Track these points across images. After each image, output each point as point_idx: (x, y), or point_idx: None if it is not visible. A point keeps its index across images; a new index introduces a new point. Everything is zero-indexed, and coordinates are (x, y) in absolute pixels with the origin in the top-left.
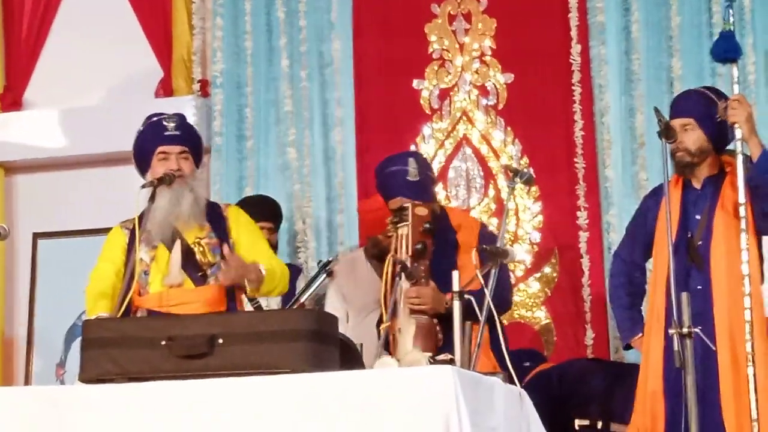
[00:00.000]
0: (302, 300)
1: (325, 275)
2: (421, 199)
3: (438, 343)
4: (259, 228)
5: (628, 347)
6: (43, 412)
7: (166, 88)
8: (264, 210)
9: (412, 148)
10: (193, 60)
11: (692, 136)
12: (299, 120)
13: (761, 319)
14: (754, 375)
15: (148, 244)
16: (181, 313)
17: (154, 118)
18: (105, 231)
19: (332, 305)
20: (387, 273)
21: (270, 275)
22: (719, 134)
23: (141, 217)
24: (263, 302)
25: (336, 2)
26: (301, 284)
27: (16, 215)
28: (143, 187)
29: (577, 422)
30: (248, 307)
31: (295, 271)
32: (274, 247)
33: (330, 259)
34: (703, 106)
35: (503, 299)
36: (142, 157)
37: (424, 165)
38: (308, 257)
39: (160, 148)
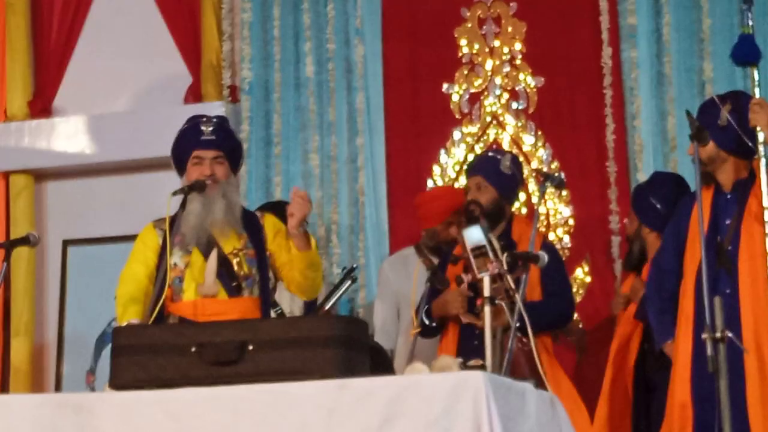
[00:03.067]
0: (327, 307)
1: (349, 282)
2: (500, 189)
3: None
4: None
5: (661, 352)
6: (70, 419)
7: (195, 94)
8: (284, 217)
9: (443, 152)
10: (222, 66)
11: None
12: (326, 125)
13: None
14: None
15: (183, 248)
16: None
17: (192, 121)
18: (134, 238)
19: (382, 302)
20: (415, 279)
21: (316, 256)
22: (729, 139)
23: (173, 222)
24: (286, 309)
25: (364, 7)
26: (323, 290)
27: (46, 222)
28: (174, 194)
29: None
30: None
31: None
32: None
33: (354, 266)
34: (708, 114)
35: (561, 312)
36: (178, 160)
37: (518, 168)
38: (332, 263)
39: (195, 152)
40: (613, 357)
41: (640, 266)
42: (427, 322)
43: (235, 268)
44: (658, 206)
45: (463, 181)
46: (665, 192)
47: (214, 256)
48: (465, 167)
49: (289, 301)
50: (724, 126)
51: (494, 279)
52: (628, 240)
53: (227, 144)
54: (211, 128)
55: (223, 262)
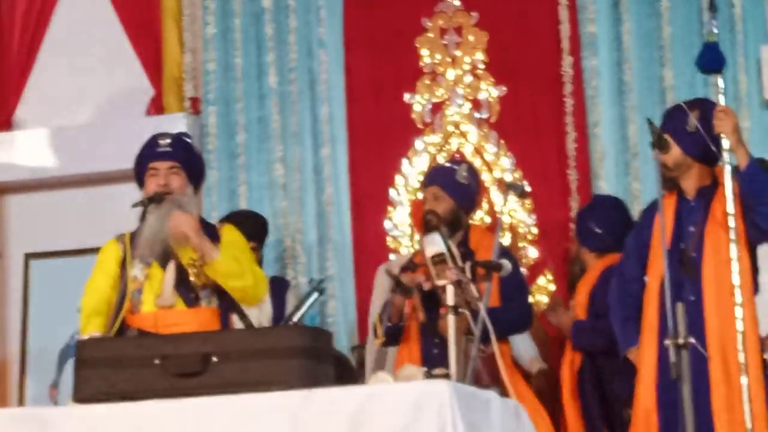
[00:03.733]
0: (295, 318)
1: (317, 293)
2: (457, 199)
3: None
4: (247, 246)
5: (625, 359)
6: None
7: (157, 106)
8: (246, 228)
9: (405, 162)
10: (183, 78)
11: (669, 151)
12: (289, 136)
13: (754, 329)
14: (748, 385)
15: (143, 261)
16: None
17: (152, 137)
18: (97, 251)
19: (375, 308)
20: (380, 288)
21: (236, 267)
22: (696, 145)
23: (135, 235)
24: (254, 321)
25: (325, 17)
26: (291, 299)
27: (8, 236)
28: (134, 206)
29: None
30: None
31: (283, 285)
32: (258, 264)
33: (322, 277)
34: (676, 119)
35: (522, 316)
36: (138, 174)
37: (475, 178)
38: (297, 274)
39: (151, 164)
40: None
41: None
42: (388, 324)
43: (193, 278)
44: (597, 230)
45: None
46: (604, 215)
47: (171, 267)
48: (422, 178)
49: (258, 313)
50: (693, 132)
51: (455, 286)
52: (569, 262)
53: (183, 155)
54: (167, 141)
55: (181, 273)
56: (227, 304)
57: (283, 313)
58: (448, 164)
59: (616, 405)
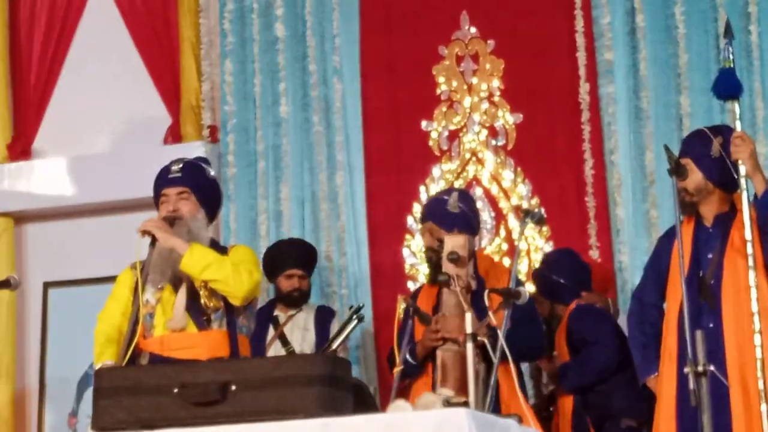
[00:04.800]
0: (334, 346)
1: (356, 322)
2: (455, 231)
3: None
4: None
5: (644, 387)
6: None
7: (174, 135)
8: (292, 256)
9: (422, 189)
10: (202, 106)
11: (690, 176)
12: (306, 165)
13: None
14: None
15: (155, 286)
16: (183, 358)
17: (168, 164)
18: (115, 279)
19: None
20: (399, 315)
21: (210, 258)
22: (718, 172)
23: (146, 261)
24: (297, 348)
25: (342, 45)
26: (335, 327)
27: (27, 265)
28: (143, 235)
29: (624, 422)
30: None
31: (328, 313)
32: (306, 295)
33: (361, 305)
34: (699, 145)
35: (536, 341)
36: (155, 202)
37: (466, 202)
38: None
39: (163, 191)
40: None
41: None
42: (411, 360)
43: (204, 300)
44: (561, 280)
45: None
46: (562, 266)
47: (183, 290)
48: (421, 213)
49: (300, 341)
50: (716, 158)
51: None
52: (545, 323)
53: (192, 180)
54: (179, 166)
55: (192, 296)
56: (235, 326)
57: (326, 341)
58: (439, 196)
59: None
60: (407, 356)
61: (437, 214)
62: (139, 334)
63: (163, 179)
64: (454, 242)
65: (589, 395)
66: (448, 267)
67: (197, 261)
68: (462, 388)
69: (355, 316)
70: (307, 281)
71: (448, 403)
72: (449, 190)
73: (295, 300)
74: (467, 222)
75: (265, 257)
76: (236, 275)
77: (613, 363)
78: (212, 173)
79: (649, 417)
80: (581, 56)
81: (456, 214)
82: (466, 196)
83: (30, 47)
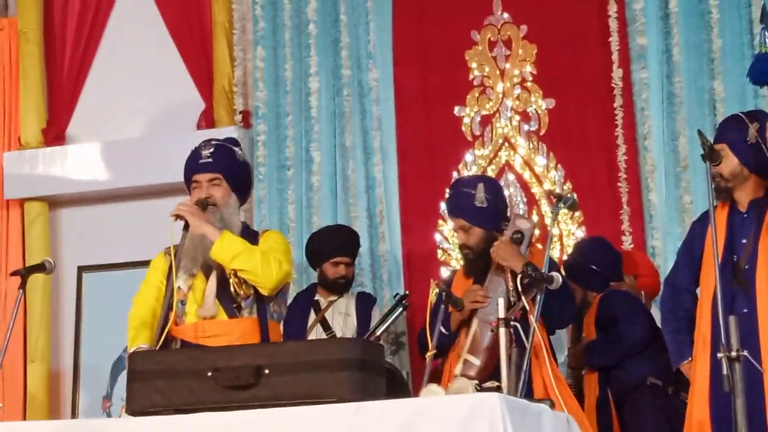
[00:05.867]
0: (378, 333)
1: (401, 309)
2: (483, 226)
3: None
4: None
5: (678, 372)
6: None
7: (207, 120)
8: (339, 244)
9: (455, 175)
10: (234, 91)
11: (725, 162)
12: (339, 150)
13: None
14: None
15: (187, 272)
16: (215, 345)
17: (197, 146)
18: (149, 263)
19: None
20: (431, 300)
21: (240, 247)
22: (754, 158)
23: (179, 246)
24: (338, 333)
25: (375, 31)
26: (376, 314)
27: (61, 249)
28: (172, 216)
29: (649, 379)
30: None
31: (370, 300)
32: (350, 282)
33: (406, 292)
34: (735, 130)
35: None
36: (186, 186)
37: (494, 193)
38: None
39: (194, 177)
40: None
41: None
42: (444, 331)
43: (234, 288)
44: (594, 267)
45: None
46: (596, 254)
47: (213, 277)
48: (446, 200)
49: (342, 326)
50: (752, 144)
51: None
52: (578, 310)
53: (225, 165)
54: (209, 151)
55: (223, 284)
56: (266, 313)
57: (367, 327)
58: (464, 189)
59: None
60: (440, 327)
61: (466, 210)
62: (172, 321)
63: (195, 164)
64: (521, 223)
65: (612, 371)
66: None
67: (227, 249)
68: (488, 361)
69: (399, 304)
70: (352, 269)
71: (480, 388)
72: (472, 181)
73: (341, 287)
74: (496, 213)
75: (310, 244)
76: (265, 265)
77: (642, 339)
78: (243, 156)
79: (677, 380)
80: (614, 41)
81: (485, 208)
82: (491, 185)
83: (64, 33)
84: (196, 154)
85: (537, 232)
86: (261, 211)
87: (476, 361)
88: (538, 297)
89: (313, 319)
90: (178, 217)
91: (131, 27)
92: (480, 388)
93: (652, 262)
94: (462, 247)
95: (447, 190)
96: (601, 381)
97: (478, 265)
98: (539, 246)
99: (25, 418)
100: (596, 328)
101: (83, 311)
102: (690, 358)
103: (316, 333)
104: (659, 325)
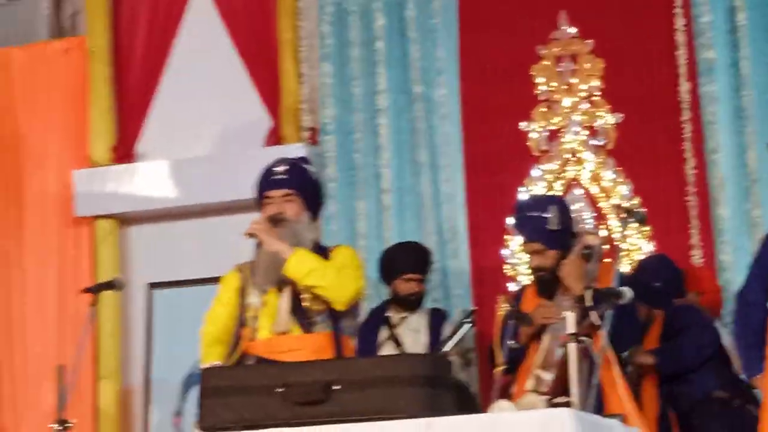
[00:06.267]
0: (446, 349)
1: (469, 325)
2: (557, 248)
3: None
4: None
5: (747, 387)
6: None
7: (275, 137)
8: (411, 260)
9: (522, 190)
10: (302, 108)
11: None
12: (406, 164)
13: None
14: None
15: (259, 288)
16: (289, 360)
17: (270, 164)
18: (218, 280)
19: None
20: (500, 315)
21: (313, 264)
22: None
23: (252, 263)
24: (409, 349)
25: (442, 46)
26: (447, 330)
27: (131, 266)
28: (249, 237)
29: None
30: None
31: (441, 315)
32: (422, 298)
33: (474, 308)
34: None
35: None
36: (257, 203)
37: (565, 214)
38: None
39: (266, 193)
40: None
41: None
42: (514, 345)
43: (307, 303)
44: (658, 285)
45: None
46: (659, 271)
47: (287, 293)
48: (514, 221)
49: (412, 343)
50: None
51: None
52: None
53: (298, 182)
54: (282, 168)
55: (296, 299)
56: (340, 328)
57: (437, 343)
58: (536, 213)
59: None
60: (509, 342)
61: (541, 234)
62: (246, 337)
63: (267, 181)
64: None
65: (675, 385)
66: None
67: (301, 266)
68: (560, 377)
69: (467, 319)
70: (424, 285)
71: (551, 403)
72: (542, 204)
73: (412, 303)
74: (567, 236)
75: (382, 260)
76: (339, 281)
77: (711, 344)
78: (315, 174)
79: (743, 394)
80: (681, 54)
81: (559, 231)
82: (562, 206)
83: (132, 51)
84: (269, 171)
85: (605, 246)
86: (331, 228)
87: (548, 377)
88: (607, 312)
89: (384, 335)
90: (251, 235)
91: (199, 45)
92: (550, 404)
93: (716, 279)
94: (537, 269)
95: (514, 213)
96: (663, 396)
97: (553, 285)
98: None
99: None
100: (661, 342)
101: (153, 328)
102: (762, 372)
103: (388, 349)
104: (722, 341)
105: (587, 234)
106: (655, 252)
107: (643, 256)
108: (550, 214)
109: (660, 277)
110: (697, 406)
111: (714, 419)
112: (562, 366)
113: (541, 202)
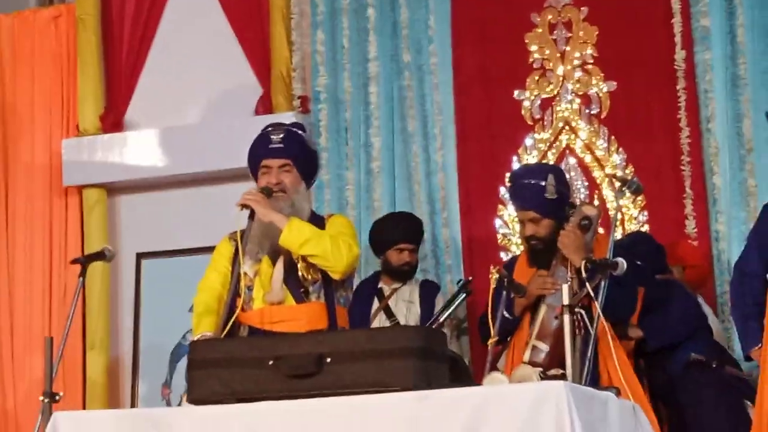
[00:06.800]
0: (441, 320)
1: (464, 295)
2: (554, 217)
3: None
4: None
5: (748, 358)
6: None
7: (265, 106)
8: (403, 230)
9: (514, 159)
10: (292, 76)
11: None
12: (397, 134)
13: None
14: None
15: (253, 258)
16: (282, 330)
17: (265, 130)
18: (207, 250)
19: None
20: (492, 289)
21: (308, 232)
22: None
23: (245, 232)
24: (402, 320)
25: (434, 13)
26: (439, 302)
27: (120, 235)
28: (242, 208)
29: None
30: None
31: (434, 288)
32: (415, 268)
33: (469, 278)
34: None
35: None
36: (252, 170)
37: (562, 183)
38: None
39: (263, 162)
40: None
41: None
42: (507, 315)
43: (301, 273)
44: (638, 263)
45: None
46: (638, 249)
47: (280, 262)
48: (508, 188)
49: (405, 314)
50: None
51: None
52: None
53: (295, 151)
54: (280, 136)
55: (290, 269)
56: (333, 297)
57: (431, 315)
58: (532, 180)
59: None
60: (504, 312)
61: (537, 202)
62: (239, 307)
63: (264, 149)
64: (588, 210)
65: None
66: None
67: (296, 236)
68: (556, 348)
69: (462, 290)
70: (416, 255)
71: (544, 375)
72: (540, 171)
73: (405, 274)
74: (564, 204)
75: (373, 231)
76: (335, 250)
77: (693, 315)
78: (311, 142)
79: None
80: (677, 22)
81: (555, 200)
82: (559, 175)
83: (121, 19)
84: (265, 138)
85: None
86: (323, 197)
87: (545, 347)
88: (602, 283)
89: (376, 306)
90: (244, 206)
91: (188, 12)
92: (544, 376)
93: (699, 252)
94: (530, 238)
95: (509, 181)
96: (641, 369)
97: (546, 255)
98: (601, 231)
99: (84, 406)
100: (640, 319)
101: (142, 298)
102: (760, 345)
103: (380, 321)
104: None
105: (584, 204)
106: (644, 223)
107: (635, 227)
108: (547, 182)
109: (639, 255)
110: (677, 378)
111: (694, 381)
112: (558, 337)
113: (537, 170)
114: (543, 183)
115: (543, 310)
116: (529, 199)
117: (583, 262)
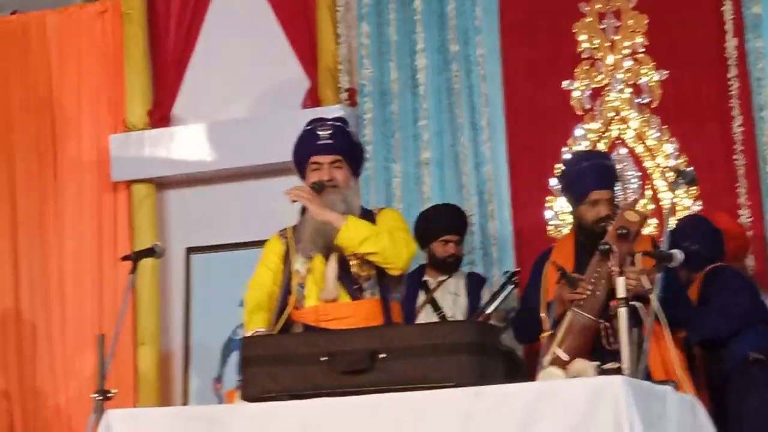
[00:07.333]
0: (488, 312)
1: (512, 287)
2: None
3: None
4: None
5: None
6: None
7: (313, 99)
8: (448, 222)
9: (564, 150)
10: (339, 69)
11: None
12: (446, 126)
13: None
14: None
15: (305, 254)
16: (337, 328)
17: (311, 126)
18: (256, 244)
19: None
20: (550, 280)
21: (366, 230)
22: None
23: (297, 229)
24: (448, 313)
25: (481, 4)
26: (485, 295)
27: (169, 230)
28: (293, 201)
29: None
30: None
31: (480, 280)
32: (460, 260)
33: (517, 269)
34: None
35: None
36: (298, 166)
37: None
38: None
39: (313, 158)
40: None
41: None
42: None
43: (355, 269)
44: (696, 248)
45: None
46: (697, 233)
47: (333, 259)
48: (567, 173)
49: (452, 306)
50: None
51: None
52: None
53: (345, 147)
54: (328, 132)
55: (343, 266)
56: (388, 293)
57: (477, 307)
58: (607, 162)
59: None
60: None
61: (611, 181)
62: (291, 304)
63: (313, 145)
64: (630, 216)
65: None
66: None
67: (354, 235)
68: (575, 355)
69: (510, 281)
70: (462, 247)
71: (601, 370)
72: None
73: (450, 266)
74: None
75: (418, 223)
76: (394, 246)
77: (747, 310)
78: (357, 136)
79: None
80: (728, 10)
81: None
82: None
83: (167, 13)
84: (312, 134)
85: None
86: (369, 189)
87: (564, 357)
88: (658, 276)
89: (422, 299)
90: (295, 201)
91: (235, 6)
92: (601, 371)
93: (736, 223)
94: (605, 219)
95: (569, 164)
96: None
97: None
98: (649, 222)
99: (136, 402)
100: (699, 304)
101: (192, 293)
102: None
103: (426, 313)
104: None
105: (627, 210)
106: (699, 212)
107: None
108: (607, 162)
109: (699, 240)
110: (733, 373)
111: (753, 380)
112: (583, 345)
113: (597, 153)
114: (610, 163)
115: (568, 317)
116: (608, 179)
117: (637, 254)
